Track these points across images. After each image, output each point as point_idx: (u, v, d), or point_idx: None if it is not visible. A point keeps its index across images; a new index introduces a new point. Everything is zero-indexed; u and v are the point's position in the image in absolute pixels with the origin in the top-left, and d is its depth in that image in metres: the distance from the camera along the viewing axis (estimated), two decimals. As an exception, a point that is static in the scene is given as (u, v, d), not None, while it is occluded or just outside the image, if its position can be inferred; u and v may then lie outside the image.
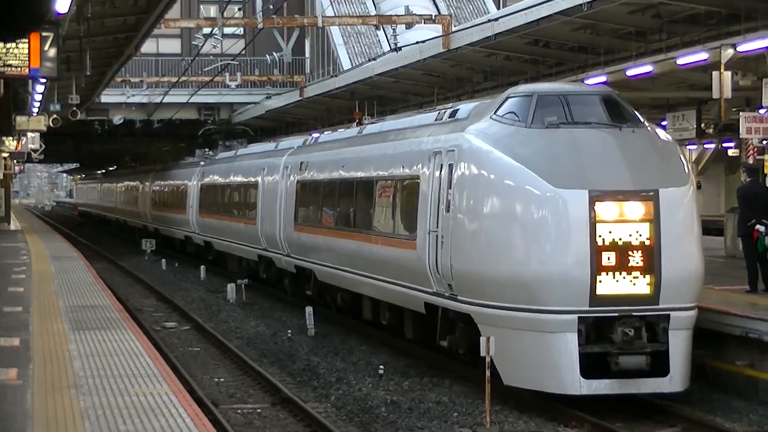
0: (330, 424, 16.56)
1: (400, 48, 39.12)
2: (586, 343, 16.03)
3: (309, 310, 26.84)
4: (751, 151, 30.57)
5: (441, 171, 18.94)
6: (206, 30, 47.53)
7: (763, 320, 17.75)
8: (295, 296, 30.64)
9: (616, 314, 16.01)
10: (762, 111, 26.25)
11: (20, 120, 38.11)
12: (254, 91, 55.98)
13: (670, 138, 19.39)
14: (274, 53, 56.38)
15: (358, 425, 17.12)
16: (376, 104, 41.47)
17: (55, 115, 42.17)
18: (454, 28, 36.75)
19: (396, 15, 46.75)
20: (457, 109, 20.42)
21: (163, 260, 48.14)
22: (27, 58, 22.36)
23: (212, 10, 51.67)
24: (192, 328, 28.24)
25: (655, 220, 15.96)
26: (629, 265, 15.81)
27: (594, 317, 16.18)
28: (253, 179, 34.57)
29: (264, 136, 53.37)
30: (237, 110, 57.11)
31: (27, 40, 21.11)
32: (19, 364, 15.31)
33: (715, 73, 24.84)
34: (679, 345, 16.15)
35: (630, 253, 15.79)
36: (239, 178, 37.71)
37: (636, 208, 16.04)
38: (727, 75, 24.74)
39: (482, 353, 16.99)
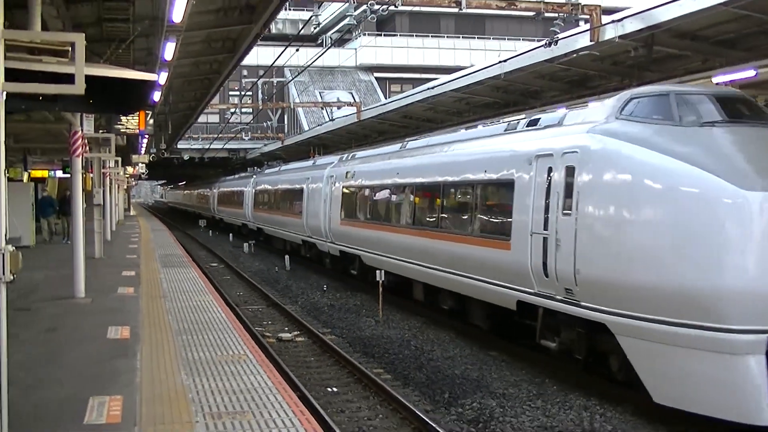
0: (297, 315, 17.01)
1: (334, 119, 40.81)
2: None
3: (287, 257, 26.84)
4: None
5: (551, 174, 11.09)
6: (232, 109, 49.50)
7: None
8: (335, 271, 23.54)
9: None
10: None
11: (134, 157, 37.99)
12: (257, 143, 55.28)
13: None
14: (268, 122, 57.61)
15: (313, 316, 17.47)
16: (322, 148, 41.12)
17: (153, 154, 42.89)
18: (363, 108, 37.41)
19: (332, 102, 48.08)
20: (537, 119, 12.76)
21: (210, 231, 48.86)
22: (137, 124, 23.96)
23: (235, 99, 53.04)
24: (225, 266, 28.51)
25: None
26: None
27: None
28: (298, 186, 27.61)
29: (261, 165, 51.46)
30: (249, 153, 56.37)
31: (137, 115, 22.11)
32: (134, 285, 15.69)
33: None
34: None
35: None
36: (286, 185, 30.48)
37: None
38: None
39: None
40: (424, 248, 15.54)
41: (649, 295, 9.19)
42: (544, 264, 11.03)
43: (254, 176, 40.25)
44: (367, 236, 19.42)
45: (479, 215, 13.61)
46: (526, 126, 12.93)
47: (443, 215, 14.98)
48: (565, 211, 10.65)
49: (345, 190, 21.85)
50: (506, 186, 12.48)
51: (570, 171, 10.72)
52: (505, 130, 13.68)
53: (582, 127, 11.01)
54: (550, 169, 11.25)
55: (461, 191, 14.62)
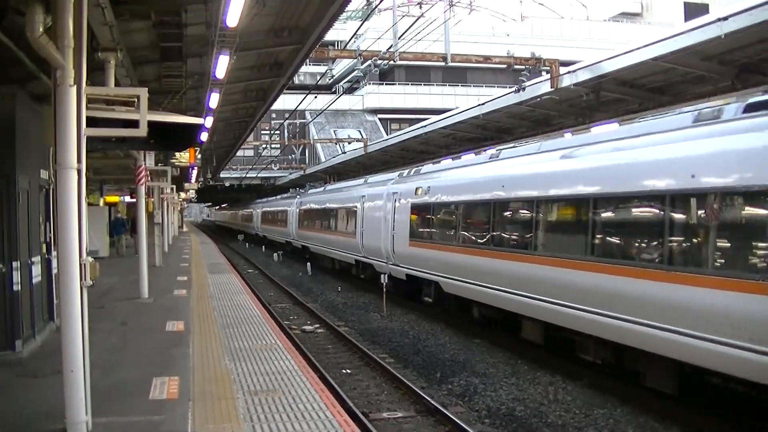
0: (317, 311, 16.84)
1: (345, 152, 40.43)
2: None
3: (309, 264, 26.08)
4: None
5: None
6: (264, 145, 49.40)
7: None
8: (394, 294, 17.18)
9: None
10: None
11: (186, 184, 37.48)
12: (284, 172, 54.44)
13: None
14: (292, 155, 56.84)
15: (330, 312, 17.21)
16: (337, 176, 40.89)
17: (201, 182, 42.85)
18: (369, 143, 36.93)
19: (344, 138, 47.42)
20: (722, 108, 7.54)
21: (246, 244, 48.32)
22: (188, 159, 24.10)
23: (266, 137, 53.14)
24: (258, 272, 28.10)
25: None
26: None
27: None
28: (350, 205, 21.31)
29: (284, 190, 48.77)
30: (278, 180, 55.20)
31: (188, 151, 22.31)
32: (187, 288, 15.57)
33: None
34: None
35: None
36: (336, 204, 23.76)
37: None
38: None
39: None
40: (553, 281, 9.85)
41: None
42: None
43: (297, 196, 34.56)
44: (450, 261, 13.57)
45: (684, 240, 7.70)
46: (743, 112, 7.36)
47: (598, 238, 9.02)
48: None
49: (416, 209, 15.79)
50: (750, 198, 6.87)
51: None
52: (696, 121, 7.96)
53: None
54: None
55: (635, 206, 8.54)
